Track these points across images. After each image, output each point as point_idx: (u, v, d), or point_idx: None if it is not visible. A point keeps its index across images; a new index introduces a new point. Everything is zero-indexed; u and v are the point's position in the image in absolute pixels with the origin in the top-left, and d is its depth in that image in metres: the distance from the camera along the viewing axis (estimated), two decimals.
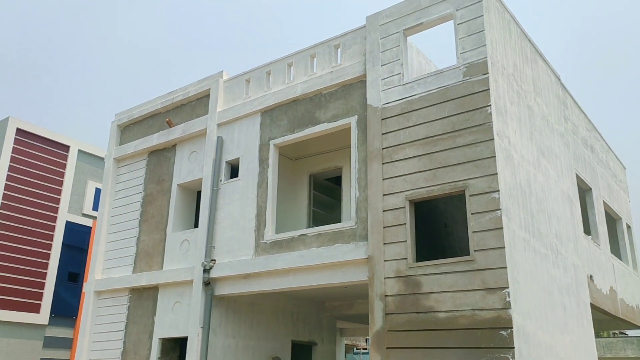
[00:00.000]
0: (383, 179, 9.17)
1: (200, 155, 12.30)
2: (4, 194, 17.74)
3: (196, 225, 11.95)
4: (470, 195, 8.24)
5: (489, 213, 7.99)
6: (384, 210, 9.01)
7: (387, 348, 8.39)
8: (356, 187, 9.64)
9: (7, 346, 17.07)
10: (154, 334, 11.67)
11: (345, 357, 20.36)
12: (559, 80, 12.49)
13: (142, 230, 12.84)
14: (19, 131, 18.63)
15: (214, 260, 11.07)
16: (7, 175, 17.94)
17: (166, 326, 11.56)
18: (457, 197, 8.89)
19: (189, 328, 10.94)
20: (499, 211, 7.92)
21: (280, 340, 12.51)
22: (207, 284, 11.00)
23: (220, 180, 11.65)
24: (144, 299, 12.17)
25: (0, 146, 18.11)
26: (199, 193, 12.59)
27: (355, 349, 24.63)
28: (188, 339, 10.90)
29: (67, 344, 18.12)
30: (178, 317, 11.40)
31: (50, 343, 18.00)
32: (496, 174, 8.07)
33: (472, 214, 8.16)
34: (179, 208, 12.46)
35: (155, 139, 13.27)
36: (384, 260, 8.77)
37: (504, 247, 7.73)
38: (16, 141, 18.46)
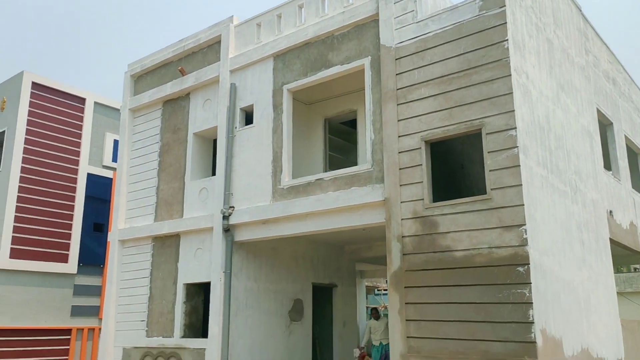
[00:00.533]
0: (398, 120, 9.07)
1: (214, 103, 12.25)
2: (24, 148, 17.99)
3: (214, 173, 12.05)
4: (487, 134, 8.12)
5: (505, 151, 7.90)
6: (399, 152, 8.96)
7: (405, 287, 8.53)
8: (371, 129, 9.56)
9: (39, 294, 17.76)
10: (179, 280, 12.01)
11: (367, 298, 20.80)
12: (580, 11, 12.01)
13: (161, 180, 13.00)
14: (35, 85, 18.65)
15: (233, 207, 11.22)
16: (27, 129, 18.13)
17: (189, 272, 11.87)
18: (474, 136, 8.77)
19: (212, 273, 11.22)
20: (515, 149, 7.81)
21: (301, 282, 12.80)
22: (227, 230, 11.18)
23: (235, 128, 11.64)
24: (166, 246, 12.46)
25: (17, 101, 18.23)
26: (215, 141, 12.62)
27: (376, 290, 25.10)
28: (211, 283, 11.20)
29: (96, 291, 18.76)
30: (200, 263, 11.68)
31: (80, 291, 18.67)
32: (513, 111, 7.92)
33: (488, 152, 8.07)
34: (195, 157, 12.54)
35: (169, 88, 13.22)
36: (401, 202, 8.79)
37: (521, 185, 7.67)
38: (32, 95, 18.51)
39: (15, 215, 17.53)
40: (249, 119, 11.65)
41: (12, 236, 17.39)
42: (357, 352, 13.46)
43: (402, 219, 8.73)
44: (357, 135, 11.74)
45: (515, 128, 7.86)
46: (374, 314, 13.69)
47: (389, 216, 8.90)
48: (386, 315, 12.47)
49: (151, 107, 13.75)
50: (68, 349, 17.62)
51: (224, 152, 11.59)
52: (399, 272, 8.63)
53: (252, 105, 11.52)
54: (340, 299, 14.06)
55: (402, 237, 8.68)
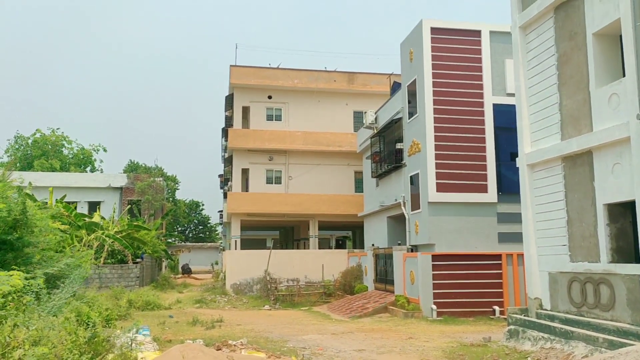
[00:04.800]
0: None
1: None
2: (433, 91, 19.40)
3: (624, 75, 10.22)
4: None
5: None
6: None
7: None
8: None
9: (467, 223, 19.11)
10: (597, 200, 10.80)
11: None
12: None
13: (562, 94, 11.86)
14: (433, 30, 19.81)
15: None
16: (433, 73, 19.47)
17: (609, 191, 10.52)
18: None
19: (635, 190, 9.64)
20: None
21: None
22: None
23: None
24: (578, 165, 11.36)
25: (420, 48, 19.73)
26: (620, 37, 10.65)
27: None
28: (636, 202, 9.65)
29: (519, 218, 18.84)
30: (620, 180, 10.19)
31: (503, 218, 19.17)
32: None
33: None
34: (599, 60, 10.88)
35: None
36: None
37: None
38: (433, 40, 19.71)
39: (435, 153, 19.23)
40: None
41: (436, 172, 19.18)
42: None
43: None
44: None
45: None
46: None
47: None
48: None
49: (541, 18, 12.61)
50: (501, 272, 18.43)
51: (632, 46, 9.64)
52: None
53: None
54: None
55: None
